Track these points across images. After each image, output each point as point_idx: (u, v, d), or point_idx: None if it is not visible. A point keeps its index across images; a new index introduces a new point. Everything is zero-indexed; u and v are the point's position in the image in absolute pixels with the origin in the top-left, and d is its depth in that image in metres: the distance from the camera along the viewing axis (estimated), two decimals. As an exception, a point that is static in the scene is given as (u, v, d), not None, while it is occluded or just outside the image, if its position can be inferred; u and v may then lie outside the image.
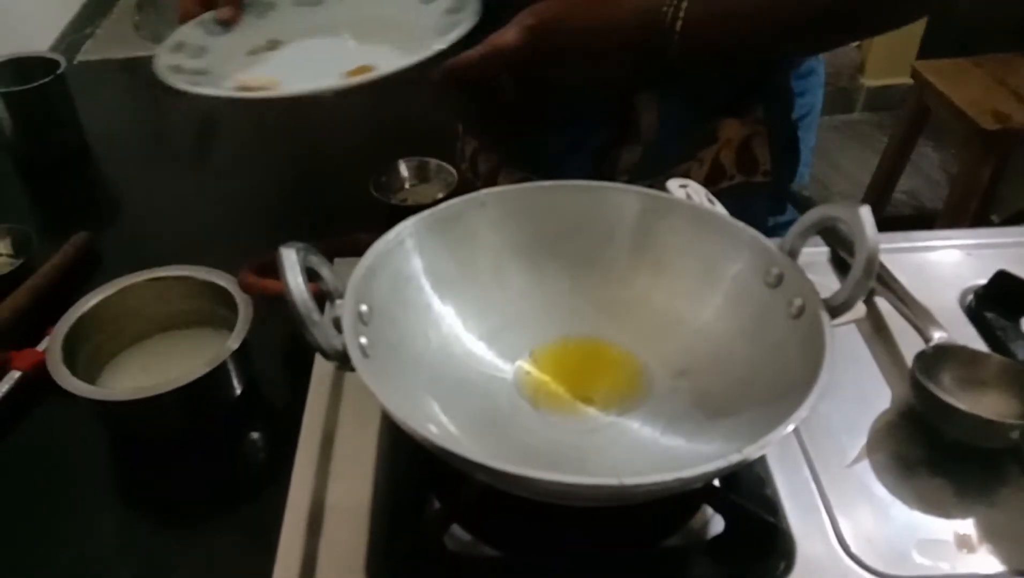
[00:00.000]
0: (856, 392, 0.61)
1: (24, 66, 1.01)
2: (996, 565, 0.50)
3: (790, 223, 0.56)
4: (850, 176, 2.40)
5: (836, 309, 0.51)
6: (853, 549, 0.51)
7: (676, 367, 0.58)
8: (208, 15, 0.80)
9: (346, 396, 0.61)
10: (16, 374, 0.67)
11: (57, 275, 0.79)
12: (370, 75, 0.68)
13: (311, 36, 0.81)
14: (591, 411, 0.56)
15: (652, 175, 0.73)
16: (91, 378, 0.64)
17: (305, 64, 0.77)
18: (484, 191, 0.61)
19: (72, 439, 0.65)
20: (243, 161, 1.06)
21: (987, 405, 0.57)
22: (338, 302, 0.51)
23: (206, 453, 0.63)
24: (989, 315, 0.66)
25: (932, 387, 0.57)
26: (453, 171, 0.90)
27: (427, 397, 0.55)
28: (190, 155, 1.10)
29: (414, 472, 0.55)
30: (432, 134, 0.96)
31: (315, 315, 0.47)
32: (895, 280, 0.66)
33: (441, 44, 0.69)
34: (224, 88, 0.70)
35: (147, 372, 0.66)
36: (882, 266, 0.67)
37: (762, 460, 0.55)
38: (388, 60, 0.69)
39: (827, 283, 0.54)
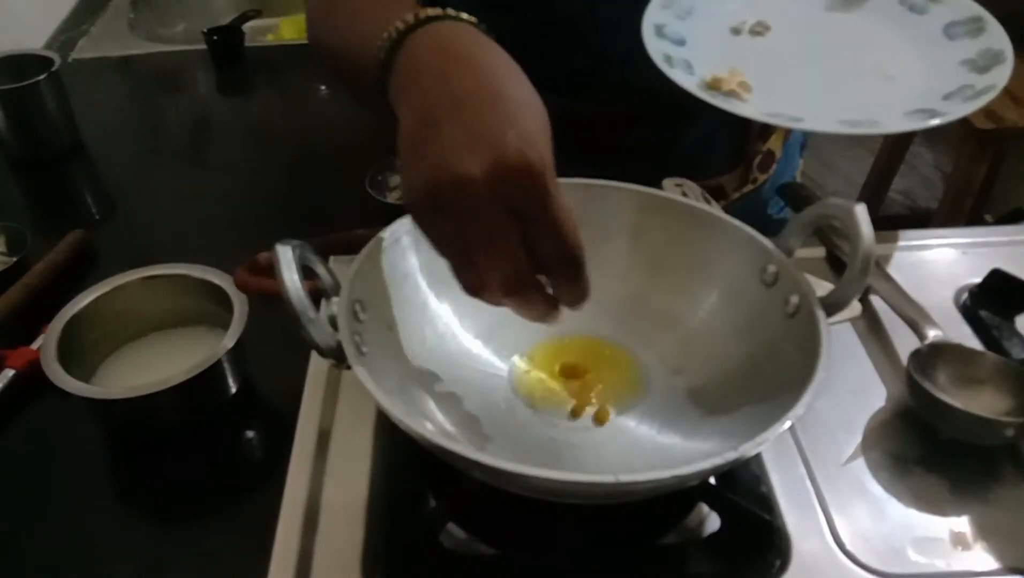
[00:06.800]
0: (852, 390, 0.61)
1: (19, 64, 1.01)
2: (991, 562, 0.51)
3: (785, 219, 0.56)
4: (845, 175, 2.40)
5: (832, 307, 0.51)
6: (848, 546, 0.51)
7: (672, 365, 0.58)
8: None
9: (342, 394, 0.61)
10: (10, 372, 0.67)
11: (52, 273, 0.78)
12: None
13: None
14: (587, 409, 0.56)
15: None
16: (86, 376, 0.64)
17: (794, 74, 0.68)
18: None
19: (67, 438, 0.64)
20: (239, 159, 1.06)
21: (982, 403, 0.57)
22: (334, 300, 0.51)
23: (201, 451, 0.63)
24: (984, 313, 0.66)
25: (927, 385, 0.57)
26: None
27: (423, 394, 0.55)
28: (185, 153, 1.10)
29: (410, 470, 0.55)
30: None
31: (311, 312, 0.47)
32: (890, 278, 0.67)
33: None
34: (694, 78, 0.65)
35: (142, 370, 0.66)
36: (877, 264, 0.67)
37: (758, 458, 0.56)
38: (891, 114, 0.63)
39: (823, 281, 0.55)
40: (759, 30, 0.71)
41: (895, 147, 2.17)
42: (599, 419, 0.55)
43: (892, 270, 0.68)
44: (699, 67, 0.66)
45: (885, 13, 0.72)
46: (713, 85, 0.64)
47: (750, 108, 0.63)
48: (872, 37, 0.71)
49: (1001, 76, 0.64)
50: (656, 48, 0.66)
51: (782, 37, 0.71)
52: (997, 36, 0.67)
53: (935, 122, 0.62)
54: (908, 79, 0.68)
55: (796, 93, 0.66)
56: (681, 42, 0.68)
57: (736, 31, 0.71)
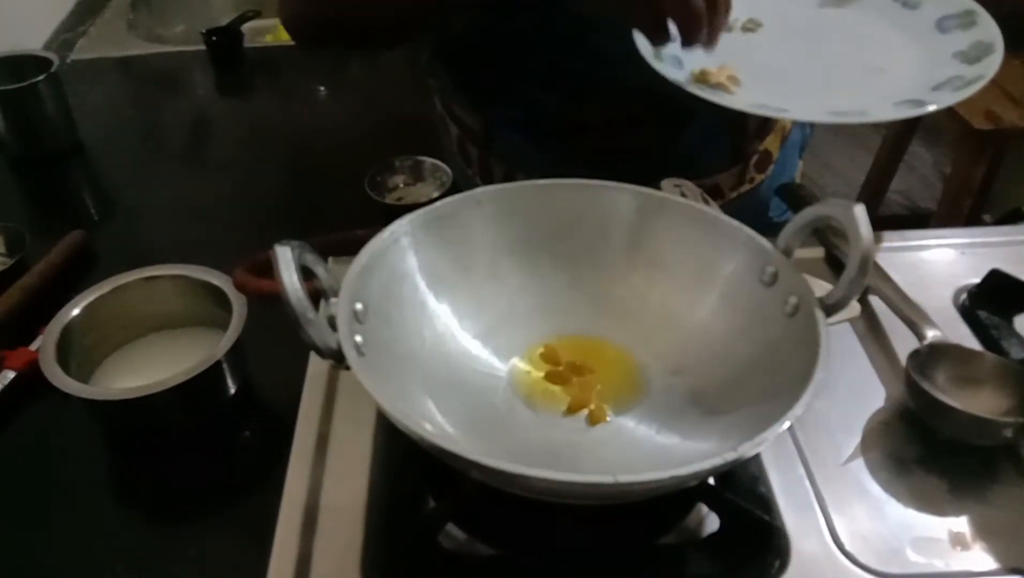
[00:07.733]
0: (851, 390, 0.61)
1: (17, 64, 1.01)
2: (990, 562, 0.51)
3: (786, 221, 0.57)
4: (843, 176, 2.40)
5: (831, 307, 0.51)
6: (848, 547, 0.51)
7: (671, 365, 0.58)
8: None
9: (341, 395, 0.61)
10: (10, 373, 0.67)
11: (51, 274, 0.78)
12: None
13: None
14: (586, 409, 0.56)
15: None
16: (85, 377, 0.64)
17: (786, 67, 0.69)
18: (479, 189, 0.61)
19: (66, 439, 0.64)
20: (238, 160, 1.06)
21: (981, 403, 0.57)
22: (333, 300, 0.51)
23: (200, 452, 0.63)
24: (982, 313, 0.66)
25: (926, 385, 0.57)
26: (448, 170, 0.90)
27: (422, 395, 0.54)
28: (185, 153, 1.10)
29: (409, 470, 0.55)
30: (427, 133, 0.96)
31: (310, 313, 0.47)
32: (889, 279, 0.67)
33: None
34: (683, 72, 0.65)
35: (141, 371, 0.66)
36: (876, 265, 0.67)
37: (757, 458, 0.56)
38: (880, 105, 0.63)
39: (822, 282, 0.55)
40: (751, 27, 0.71)
41: (894, 147, 2.17)
42: (594, 419, 0.55)
43: (891, 270, 0.68)
44: (688, 62, 0.67)
45: (877, 9, 0.72)
46: (701, 78, 0.65)
47: (737, 99, 0.64)
48: (865, 32, 0.71)
49: (991, 66, 0.64)
50: (646, 44, 0.66)
51: (774, 33, 0.71)
52: (988, 28, 0.68)
53: (925, 110, 0.62)
54: (900, 72, 0.68)
55: (786, 86, 0.66)
56: (672, 39, 0.68)
57: (728, 28, 0.71)
